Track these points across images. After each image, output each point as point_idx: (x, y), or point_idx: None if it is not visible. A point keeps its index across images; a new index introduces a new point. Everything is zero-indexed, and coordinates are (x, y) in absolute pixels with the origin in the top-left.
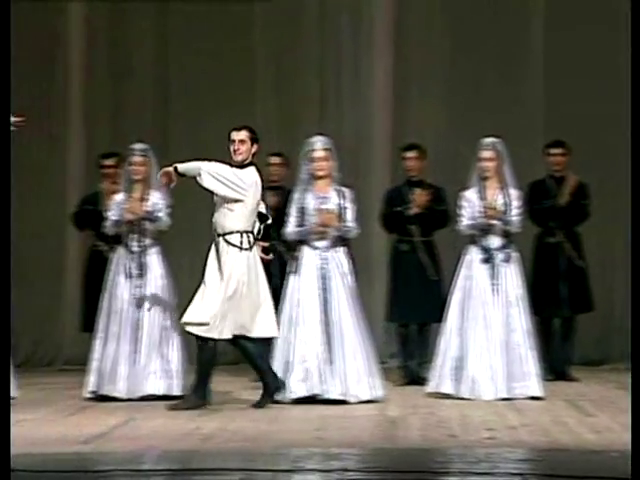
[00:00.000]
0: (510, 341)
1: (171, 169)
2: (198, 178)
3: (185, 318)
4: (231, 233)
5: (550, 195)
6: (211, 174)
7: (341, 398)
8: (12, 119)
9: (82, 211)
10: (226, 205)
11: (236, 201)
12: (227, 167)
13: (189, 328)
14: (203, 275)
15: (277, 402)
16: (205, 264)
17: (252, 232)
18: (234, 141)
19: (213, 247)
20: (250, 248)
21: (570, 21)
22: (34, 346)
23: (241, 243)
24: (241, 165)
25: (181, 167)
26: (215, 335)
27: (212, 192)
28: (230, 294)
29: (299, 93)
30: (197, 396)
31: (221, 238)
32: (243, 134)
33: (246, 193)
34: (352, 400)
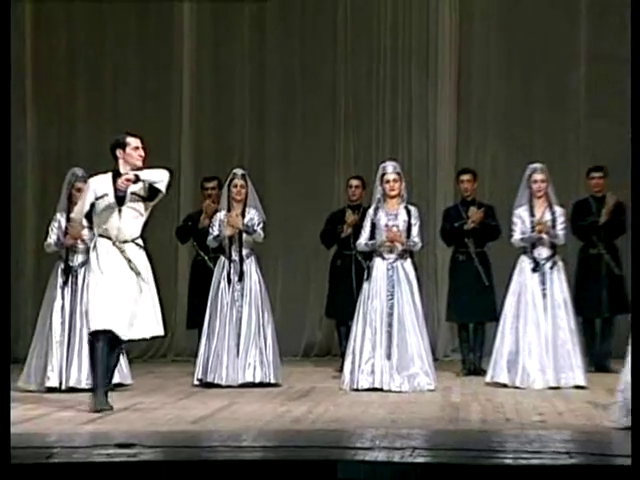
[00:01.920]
0: (557, 338)
1: (133, 177)
2: (160, 184)
3: (157, 327)
4: (139, 238)
5: (592, 213)
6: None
7: (399, 390)
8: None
9: (184, 227)
10: (142, 212)
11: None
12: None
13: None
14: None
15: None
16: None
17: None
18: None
19: (115, 253)
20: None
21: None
22: (150, 340)
23: (145, 247)
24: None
25: (144, 177)
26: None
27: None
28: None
29: (375, 125)
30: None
31: (131, 244)
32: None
33: None
34: (409, 390)
